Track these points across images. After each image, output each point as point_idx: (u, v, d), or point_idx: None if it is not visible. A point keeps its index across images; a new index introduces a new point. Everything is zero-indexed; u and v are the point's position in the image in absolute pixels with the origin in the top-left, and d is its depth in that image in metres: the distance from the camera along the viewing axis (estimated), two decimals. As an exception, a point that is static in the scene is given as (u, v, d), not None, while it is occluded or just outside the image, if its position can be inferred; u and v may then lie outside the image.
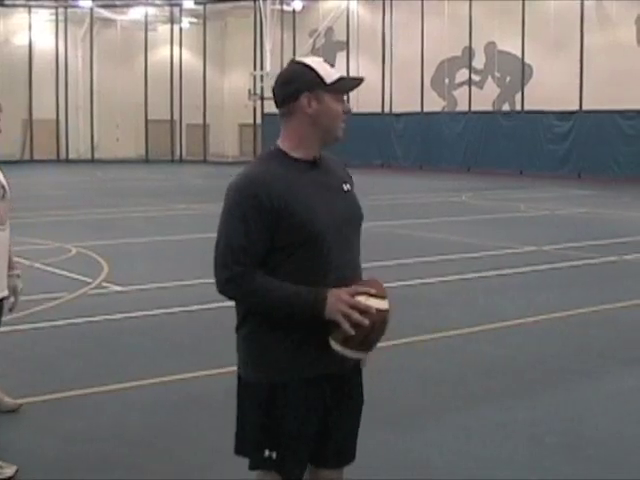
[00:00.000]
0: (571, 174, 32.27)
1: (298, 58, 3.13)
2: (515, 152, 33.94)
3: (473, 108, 36.65)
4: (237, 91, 45.04)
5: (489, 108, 36.37)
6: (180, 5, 46.02)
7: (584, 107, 32.79)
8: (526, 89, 35.27)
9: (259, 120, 43.73)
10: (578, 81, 33.22)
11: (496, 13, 35.49)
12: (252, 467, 3.10)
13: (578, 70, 33.22)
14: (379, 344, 3.03)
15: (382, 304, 2.93)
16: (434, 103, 38.11)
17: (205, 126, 46.83)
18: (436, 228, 16.36)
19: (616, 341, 8.02)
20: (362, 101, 34.68)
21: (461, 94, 37.71)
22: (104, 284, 10.44)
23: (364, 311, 2.87)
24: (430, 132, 36.97)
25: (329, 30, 42.67)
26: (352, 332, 2.86)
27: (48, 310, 8.91)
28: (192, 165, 43.14)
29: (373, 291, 2.93)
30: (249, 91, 42.05)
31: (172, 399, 6.18)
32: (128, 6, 46.11)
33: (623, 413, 5.96)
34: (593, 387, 6.60)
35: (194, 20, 46.99)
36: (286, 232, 2.93)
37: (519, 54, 35.41)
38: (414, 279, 10.78)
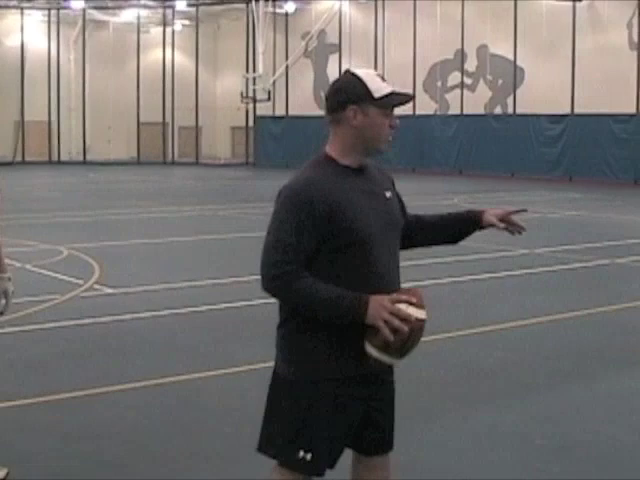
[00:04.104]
0: (563, 177, 32.36)
1: (353, 69, 3.18)
2: (507, 155, 34.02)
3: (465, 111, 36.73)
4: (229, 93, 45.06)
5: (481, 111, 36.45)
6: (173, 7, 46.01)
7: (576, 110, 32.88)
8: (518, 92, 35.34)
9: (251, 122, 43.75)
10: (570, 84, 33.32)
11: (488, 16, 35.58)
12: (282, 464, 3.13)
13: (570, 73, 33.33)
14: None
15: (421, 313, 3.02)
16: (426, 106, 38.12)
17: (197, 128, 46.80)
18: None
19: (608, 344, 8.04)
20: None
21: (453, 97, 37.78)
22: (96, 286, 10.43)
23: (404, 319, 2.95)
24: (422, 135, 36.99)
25: (321, 33, 42.69)
26: (391, 338, 2.94)
27: (40, 312, 8.89)
28: (184, 167, 43.12)
29: (414, 300, 3.01)
30: (241, 94, 42.07)
31: (166, 401, 6.17)
32: (120, 8, 46.10)
33: (614, 415, 5.98)
34: (585, 389, 6.62)
35: (187, 22, 46.99)
36: (335, 236, 3.02)
37: (511, 57, 35.50)
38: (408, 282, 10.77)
